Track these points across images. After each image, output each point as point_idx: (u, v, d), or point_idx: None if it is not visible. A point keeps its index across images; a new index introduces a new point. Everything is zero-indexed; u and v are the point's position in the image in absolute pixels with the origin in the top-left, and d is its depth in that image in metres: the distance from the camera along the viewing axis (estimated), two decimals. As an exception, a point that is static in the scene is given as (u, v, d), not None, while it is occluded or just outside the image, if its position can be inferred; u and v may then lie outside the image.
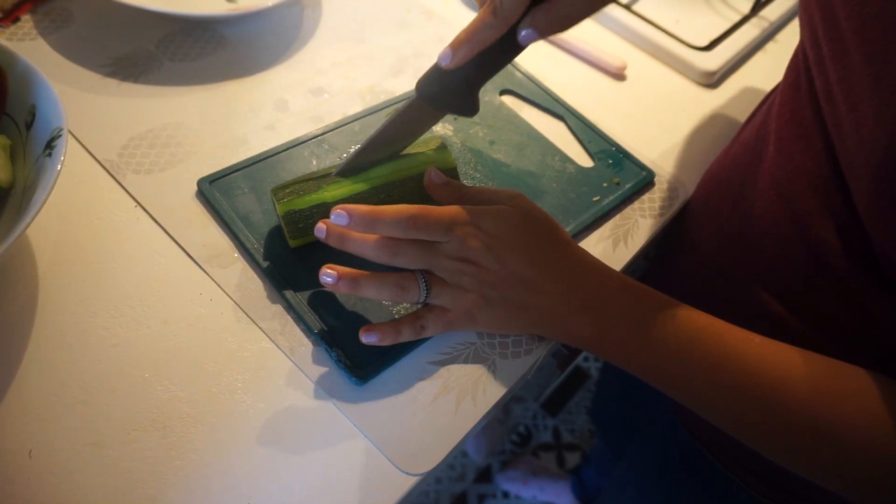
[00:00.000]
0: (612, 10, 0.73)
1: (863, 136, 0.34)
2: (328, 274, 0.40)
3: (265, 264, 0.46)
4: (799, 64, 0.43)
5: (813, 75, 0.40)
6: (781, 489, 0.53)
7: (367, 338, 0.41)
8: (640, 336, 0.41)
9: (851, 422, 0.35)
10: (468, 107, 0.45)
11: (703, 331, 0.40)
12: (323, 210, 0.45)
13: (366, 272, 0.41)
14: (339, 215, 0.40)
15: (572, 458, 1.44)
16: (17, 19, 0.58)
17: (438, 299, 0.42)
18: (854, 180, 0.36)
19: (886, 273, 0.36)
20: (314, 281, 0.43)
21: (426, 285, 0.41)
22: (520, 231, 0.42)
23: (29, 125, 0.44)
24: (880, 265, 0.37)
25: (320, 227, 0.41)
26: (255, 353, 0.42)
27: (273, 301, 0.45)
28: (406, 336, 0.42)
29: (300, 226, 0.45)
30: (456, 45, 0.39)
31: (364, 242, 0.40)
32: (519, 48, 0.43)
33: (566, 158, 0.58)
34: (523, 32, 0.39)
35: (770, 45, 0.77)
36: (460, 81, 0.43)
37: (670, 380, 0.41)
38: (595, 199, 0.55)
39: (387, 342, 0.42)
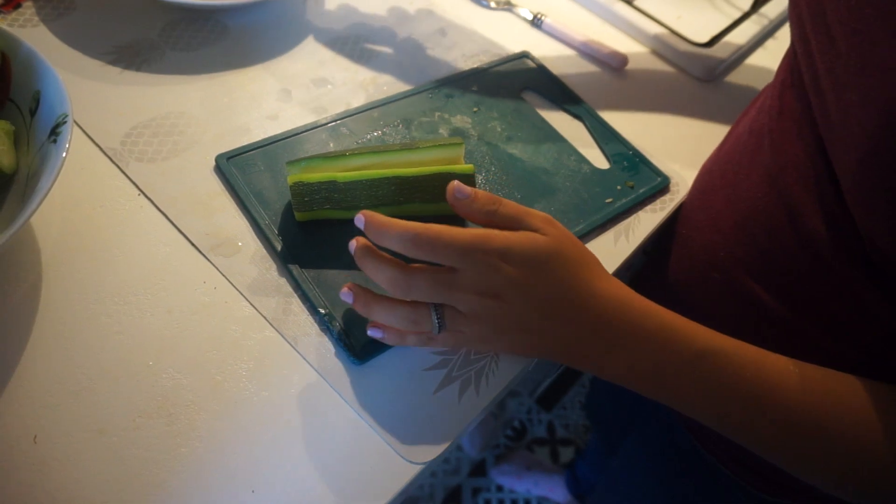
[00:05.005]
0: (614, 4, 0.73)
1: (849, 125, 0.35)
2: (346, 294, 0.40)
3: (276, 240, 0.46)
4: (790, 60, 0.44)
5: (802, 69, 0.40)
6: (776, 484, 0.54)
7: (372, 332, 0.41)
8: (679, 375, 0.38)
9: (840, 421, 0.36)
10: None
11: (717, 356, 0.38)
12: (331, 188, 0.45)
13: (381, 297, 0.40)
14: (358, 219, 0.39)
15: (566, 453, 1.45)
16: (18, 5, 0.58)
17: (452, 327, 0.39)
18: (842, 170, 0.37)
19: (875, 262, 0.37)
20: (321, 259, 0.45)
21: (439, 320, 0.39)
22: (551, 263, 0.38)
23: (33, 111, 0.43)
24: (869, 255, 0.37)
25: (351, 244, 0.39)
26: (259, 341, 0.42)
27: (278, 283, 0.45)
28: (411, 343, 0.41)
29: (306, 199, 0.46)
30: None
31: (377, 269, 0.38)
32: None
33: (582, 159, 0.58)
34: None
35: (770, 42, 0.78)
36: None
37: (695, 410, 0.40)
38: (608, 200, 0.55)
39: (390, 343, 0.41)
